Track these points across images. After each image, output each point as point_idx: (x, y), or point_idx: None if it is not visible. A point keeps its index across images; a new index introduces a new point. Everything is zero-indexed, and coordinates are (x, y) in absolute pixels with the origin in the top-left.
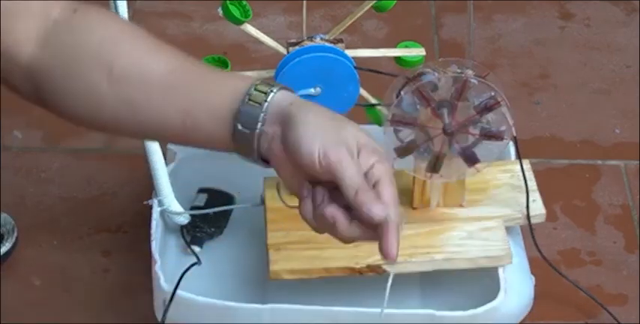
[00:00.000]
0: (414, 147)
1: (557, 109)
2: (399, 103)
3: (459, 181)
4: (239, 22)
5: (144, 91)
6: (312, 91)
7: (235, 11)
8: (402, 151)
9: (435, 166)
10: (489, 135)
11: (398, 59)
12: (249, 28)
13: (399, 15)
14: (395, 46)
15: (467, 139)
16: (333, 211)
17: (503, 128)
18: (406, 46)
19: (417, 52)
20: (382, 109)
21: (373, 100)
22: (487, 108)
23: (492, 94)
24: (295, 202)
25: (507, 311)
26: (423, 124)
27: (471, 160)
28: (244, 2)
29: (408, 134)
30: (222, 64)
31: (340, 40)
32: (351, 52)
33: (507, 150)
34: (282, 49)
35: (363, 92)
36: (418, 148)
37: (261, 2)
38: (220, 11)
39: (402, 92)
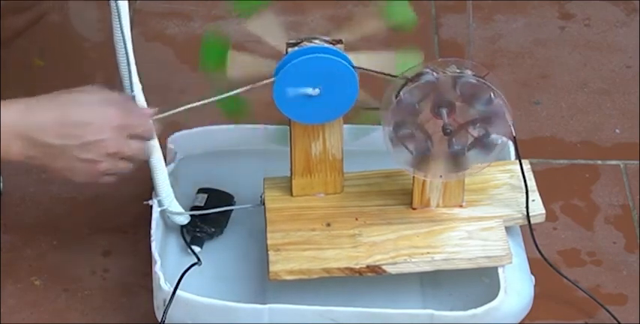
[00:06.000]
0: (408, 136)
1: (557, 109)
2: (398, 104)
3: (458, 181)
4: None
5: None
6: (310, 90)
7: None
8: (396, 141)
9: (419, 165)
10: (482, 144)
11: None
12: (253, 27)
13: None
14: (394, 49)
15: (463, 142)
16: None
17: (498, 142)
18: (404, 52)
19: (413, 57)
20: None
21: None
22: (489, 118)
23: (500, 102)
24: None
25: (507, 311)
26: (422, 123)
27: (459, 165)
28: None
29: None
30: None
31: (339, 41)
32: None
33: (507, 150)
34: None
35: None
36: (413, 136)
37: None
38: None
39: (401, 93)
